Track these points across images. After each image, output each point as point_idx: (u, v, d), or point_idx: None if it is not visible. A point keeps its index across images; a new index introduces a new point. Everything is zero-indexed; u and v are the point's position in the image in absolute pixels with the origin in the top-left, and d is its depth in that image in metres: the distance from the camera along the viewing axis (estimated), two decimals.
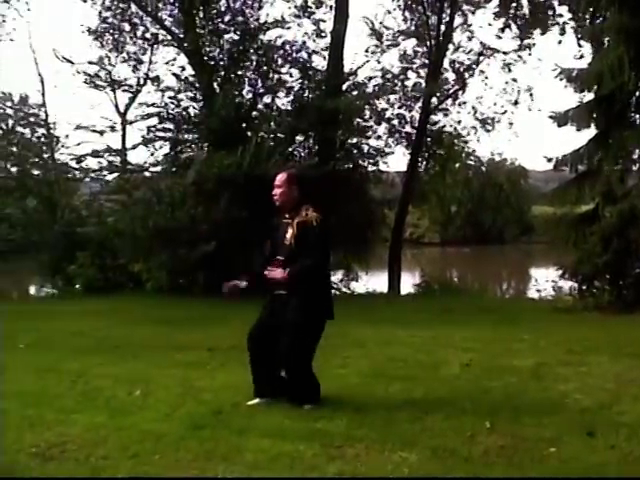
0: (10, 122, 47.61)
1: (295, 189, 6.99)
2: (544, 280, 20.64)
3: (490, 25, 26.37)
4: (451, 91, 27.09)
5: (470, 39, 26.46)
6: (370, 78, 23.69)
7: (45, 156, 43.20)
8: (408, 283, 26.46)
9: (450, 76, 27.00)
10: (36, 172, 41.08)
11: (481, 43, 26.21)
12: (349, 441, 5.74)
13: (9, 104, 47.87)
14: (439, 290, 22.35)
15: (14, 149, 45.39)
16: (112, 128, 34.49)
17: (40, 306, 18.87)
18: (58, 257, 22.39)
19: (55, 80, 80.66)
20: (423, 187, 29.13)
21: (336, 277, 22.48)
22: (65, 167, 33.19)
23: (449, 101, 27.23)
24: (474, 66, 26.50)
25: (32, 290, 27.39)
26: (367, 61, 24.68)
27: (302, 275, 6.71)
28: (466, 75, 26.68)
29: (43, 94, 39.91)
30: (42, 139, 45.81)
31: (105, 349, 10.74)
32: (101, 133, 33.45)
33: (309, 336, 6.82)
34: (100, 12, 25.33)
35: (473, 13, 26.25)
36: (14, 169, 43.75)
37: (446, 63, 26.47)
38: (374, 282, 24.43)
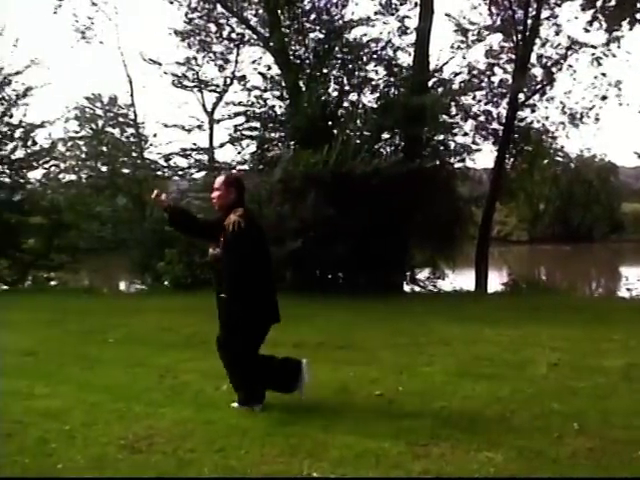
0: (100, 122, 48.68)
1: (232, 191, 6.92)
2: (635, 279, 20.24)
3: (577, 18, 25.79)
4: (538, 86, 26.65)
5: (557, 33, 26.00)
6: (456, 74, 23.52)
7: (134, 155, 44.06)
8: (495, 281, 26.16)
9: (537, 71, 26.58)
10: (126, 171, 41.94)
11: (569, 37, 25.74)
12: (434, 440, 5.73)
13: (99, 105, 48.93)
14: (527, 288, 22.03)
15: (104, 149, 46.43)
16: (199, 127, 35.03)
17: (129, 302, 19.21)
18: (147, 254, 22.79)
19: (143, 81, 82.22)
20: (511, 184, 28.73)
21: (422, 275, 22.37)
22: (154, 165, 33.79)
23: (536, 97, 26.81)
24: (562, 61, 26.01)
25: (122, 286, 27.93)
26: (452, 57, 24.46)
27: (227, 283, 6.74)
28: (554, 70, 26.20)
29: (132, 95, 40.69)
30: (131, 139, 46.73)
31: (193, 345, 10.87)
32: (189, 131, 34.00)
33: (242, 339, 6.79)
34: (186, 13, 25.69)
35: (559, 6, 25.74)
36: (104, 168, 44.79)
37: (533, 58, 26.05)
38: (461, 280, 24.23)
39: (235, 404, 6.87)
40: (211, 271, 7.07)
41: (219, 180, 7.05)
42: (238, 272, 6.66)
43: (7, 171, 24.52)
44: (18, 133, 24.29)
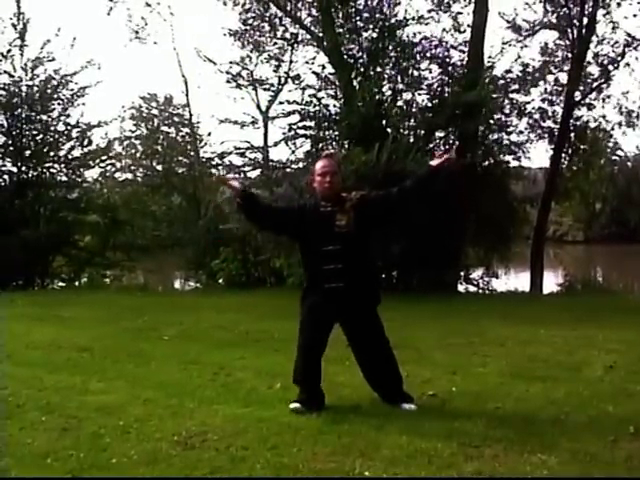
0: (155, 122, 49.15)
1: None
2: None
3: (635, 16, 25.36)
4: (595, 85, 26.33)
5: (614, 29, 25.59)
6: (507, 71, 23.34)
7: (189, 154, 44.46)
8: (550, 282, 25.89)
9: (594, 69, 26.26)
10: (181, 170, 42.30)
11: (628, 34, 25.35)
12: (487, 441, 5.70)
13: (154, 105, 49.40)
14: (582, 289, 21.76)
15: (159, 148, 46.92)
16: (253, 123, 35.19)
17: (184, 299, 19.35)
18: (202, 252, 22.95)
19: (198, 81, 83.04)
20: (566, 184, 28.43)
21: (476, 274, 22.22)
22: (209, 164, 33.97)
23: (593, 95, 26.48)
24: (619, 59, 25.66)
25: (177, 284, 28.16)
26: (502, 52, 24.31)
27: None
28: (610, 68, 25.86)
29: (187, 94, 40.96)
30: (186, 138, 47.13)
31: (246, 343, 10.94)
32: (242, 126, 34.16)
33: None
34: (240, 14, 25.90)
35: (619, 5, 25.31)
36: (160, 167, 45.24)
37: (589, 56, 25.73)
38: (516, 280, 24.03)
39: None
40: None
41: (331, 163, 6.95)
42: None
43: (64, 170, 24.83)
44: (75, 133, 24.56)
